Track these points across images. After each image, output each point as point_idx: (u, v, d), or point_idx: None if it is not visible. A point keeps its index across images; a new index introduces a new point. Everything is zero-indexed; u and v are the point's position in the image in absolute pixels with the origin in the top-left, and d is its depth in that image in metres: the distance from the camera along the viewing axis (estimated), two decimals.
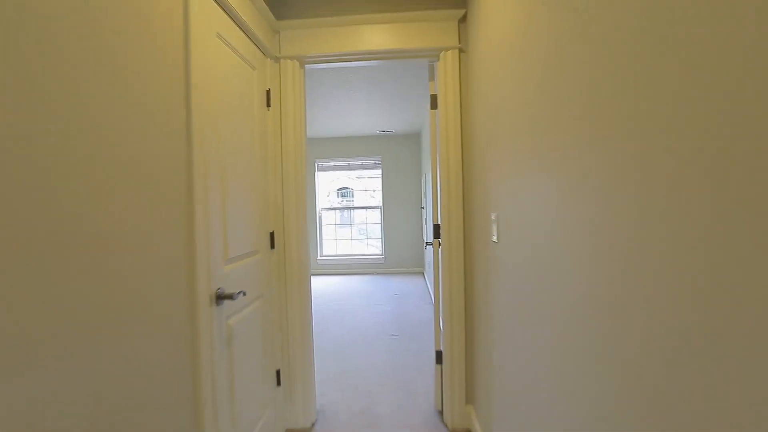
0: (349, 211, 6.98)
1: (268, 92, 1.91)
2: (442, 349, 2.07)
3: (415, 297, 4.95)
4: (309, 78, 3.47)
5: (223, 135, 1.44)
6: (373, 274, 6.63)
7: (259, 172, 1.79)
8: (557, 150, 0.89)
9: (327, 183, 6.95)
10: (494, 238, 1.42)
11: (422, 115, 5.13)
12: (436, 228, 2.09)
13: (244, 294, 1.46)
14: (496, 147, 1.40)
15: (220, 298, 1.34)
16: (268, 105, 1.90)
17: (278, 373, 1.95)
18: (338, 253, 6.87)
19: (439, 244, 2.06)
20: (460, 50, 1.95)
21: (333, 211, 6.92)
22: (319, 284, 5.93)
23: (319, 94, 4.01)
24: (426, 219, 5.45)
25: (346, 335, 3.54)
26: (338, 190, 7.09)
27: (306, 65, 2.03)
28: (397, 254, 6.67)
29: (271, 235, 1.92)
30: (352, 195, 7.14)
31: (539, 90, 1.00)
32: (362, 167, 6.82)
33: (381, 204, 6.73)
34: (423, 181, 5.89)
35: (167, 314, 1.07)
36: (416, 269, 6.64)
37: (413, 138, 6.55)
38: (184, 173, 1.18)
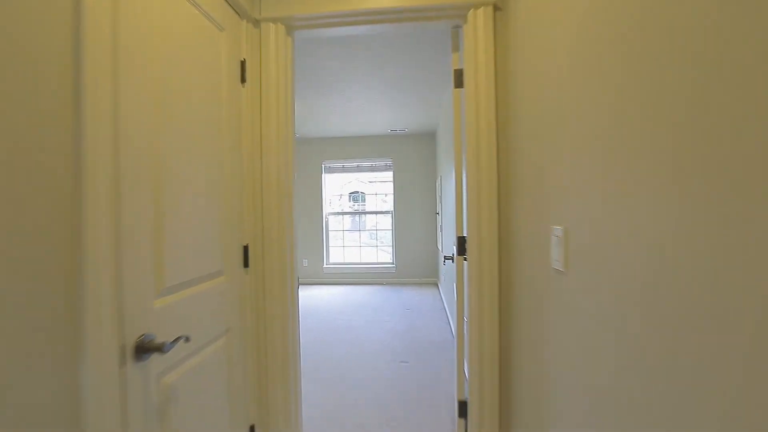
0: (358, 217, 6.54)
1: (242, 63, 1.46)
2: (467, 399, 1.59)
3: (428, 312, 4.46)
4: (309, 62, 3.04)
5: (165, 118, 1.01)
6: (383, 284, 6.16)
7: (229, 169, 1.35)
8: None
9: (336, 186, 6.54)
10: (557, 265, 0.95)
11: (437, 112, 4.68)
12: (461, 242, 1.62)
13: (187, 339, 1.01)
14: (566, 135, 0.93)
15: (144, 350, 0.90)
16: (243, 80, 1.46)
17: (252, 429, 1.50)
18: (346, 261, 6.44)
19: (465, 260, 1.59)
20: (496, 7, 1.48)
21: (341, 216, 6.49)
22: (323, 295, 5.48)
23: (324, 84, 3.59)
24: (441, 226, 4.98)
25: (348, 358, 3.08)
26: (350, 194, 6.68)
27: (295, 31, 1.59)
28: (409, 263, 6.20)
29: (245, 249, 1.48)
30: (364, 199, 6.72)
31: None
32: (372, 169, 6.37)
33: (392, 209, 6.29)
34: (438, 184, 5.42)
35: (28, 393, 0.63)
36: (429, 280, 6.15)
37: (427, 138, 6.10)
38: (68, 176, 0.74)
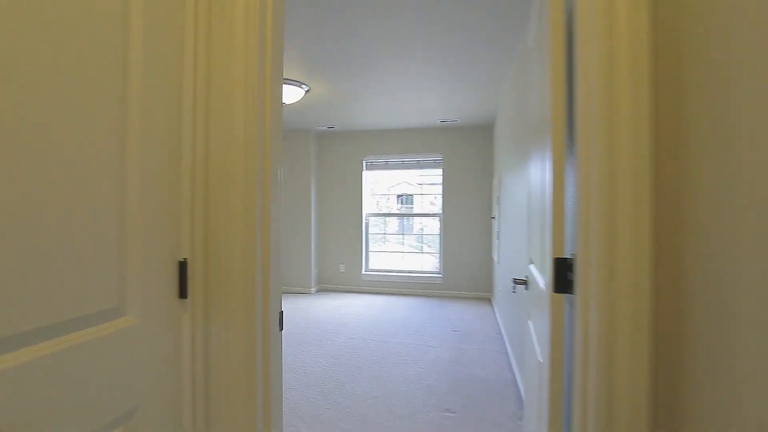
0: (402, 219, 5.90)
1: None
2: None
3: (480, 337, 3.70)
4: (333, 32, 2.44)
5: None
6: (428, 296, 5.45)
7: (146, 124, 0.75)
8: None
9: (379, 184, 5.95)
10: None
11: (496, 100, 3.91)
12: (562, 267, 0.92)
13: None
14: None
15: None
16: None
17: None
18: (387, 268, 5.81)
19: (568, 294, 0.88)
20: None
21: (383, 217, 5.89)
22: (358, 306, 4.89)
23: (354, 59, 2.99)
24: (498, 233, 4.20)
25: (373, 400, 2.43)
26: (399, 196, 6.07)
27: None
28: (459, 274, 5.43)
29: (182, 267, 0.88)
30: (411, 201, 6.08)
31: None
32: (419, 166, 5.69)
33: (441, 211, 5.57)
34: (495, 184, 4.64)
35: None
36: (481, 294, 5.34)
37: (482, 131, 5.32)
38: None
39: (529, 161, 1.68)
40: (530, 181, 1.65)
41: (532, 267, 1.55)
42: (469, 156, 5.37)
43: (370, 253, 5.83)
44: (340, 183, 5.78)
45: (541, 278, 1.19)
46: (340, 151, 5.78)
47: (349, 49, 2.80)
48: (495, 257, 4.55)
